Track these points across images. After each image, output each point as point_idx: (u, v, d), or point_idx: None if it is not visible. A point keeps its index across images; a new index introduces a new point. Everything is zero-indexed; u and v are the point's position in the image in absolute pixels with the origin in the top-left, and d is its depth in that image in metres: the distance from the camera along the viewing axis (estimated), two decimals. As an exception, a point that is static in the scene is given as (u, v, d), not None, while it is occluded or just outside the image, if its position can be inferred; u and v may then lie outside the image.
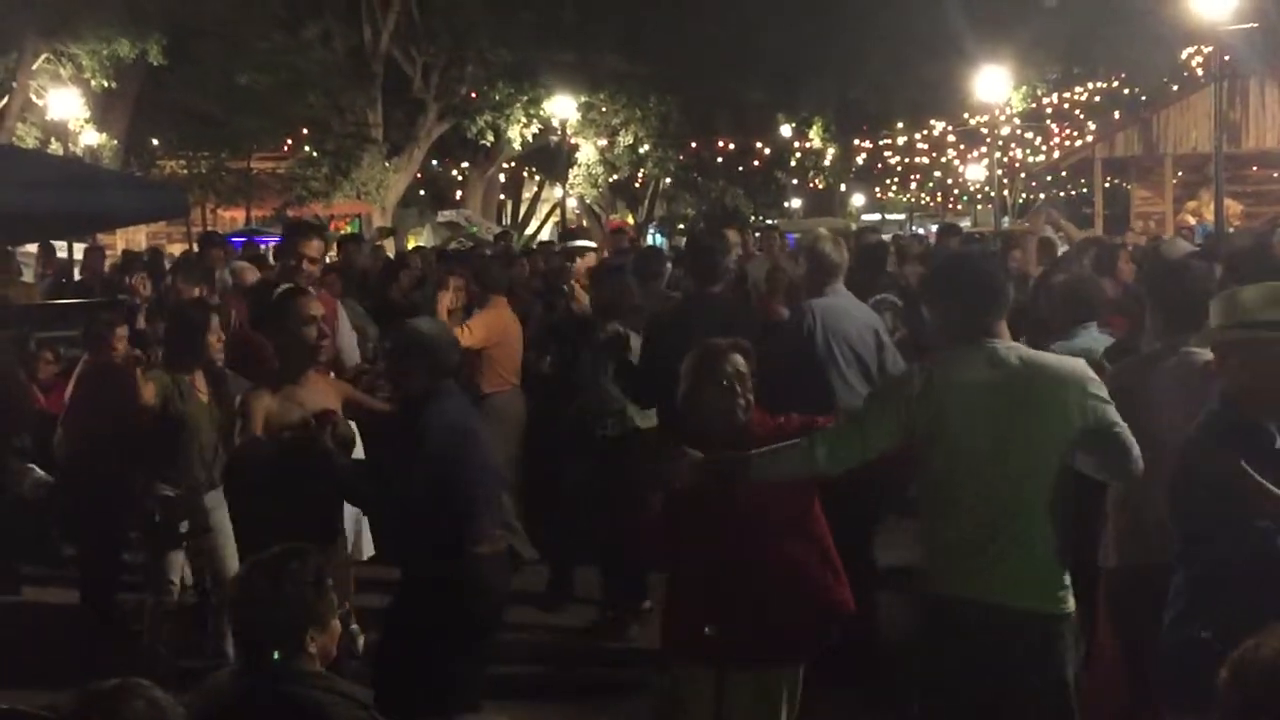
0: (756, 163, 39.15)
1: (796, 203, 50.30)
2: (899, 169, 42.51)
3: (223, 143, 32.43)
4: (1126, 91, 35.93)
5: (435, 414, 6.45)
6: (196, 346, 8.24)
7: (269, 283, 9.68)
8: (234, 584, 4.44)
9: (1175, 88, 33.53)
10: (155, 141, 33.40)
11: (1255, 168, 31.69)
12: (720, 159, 38.13)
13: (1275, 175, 31.43)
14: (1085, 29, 34.51)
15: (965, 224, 35.24)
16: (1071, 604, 5.23)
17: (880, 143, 39.78)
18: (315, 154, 32.47)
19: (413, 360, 6.59)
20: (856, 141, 39.70)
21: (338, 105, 32.39)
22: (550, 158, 36.57)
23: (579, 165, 35.99)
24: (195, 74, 30.14)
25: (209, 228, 28.78)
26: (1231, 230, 22.91)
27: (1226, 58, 25.39)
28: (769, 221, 33.93)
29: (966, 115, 37.24)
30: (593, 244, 11.78)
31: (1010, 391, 5.21)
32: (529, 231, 39.53)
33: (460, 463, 6.45)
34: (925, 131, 39.10)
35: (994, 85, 32.36)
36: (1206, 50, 29.13)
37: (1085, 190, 36.44)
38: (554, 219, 39.65)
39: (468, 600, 6.41)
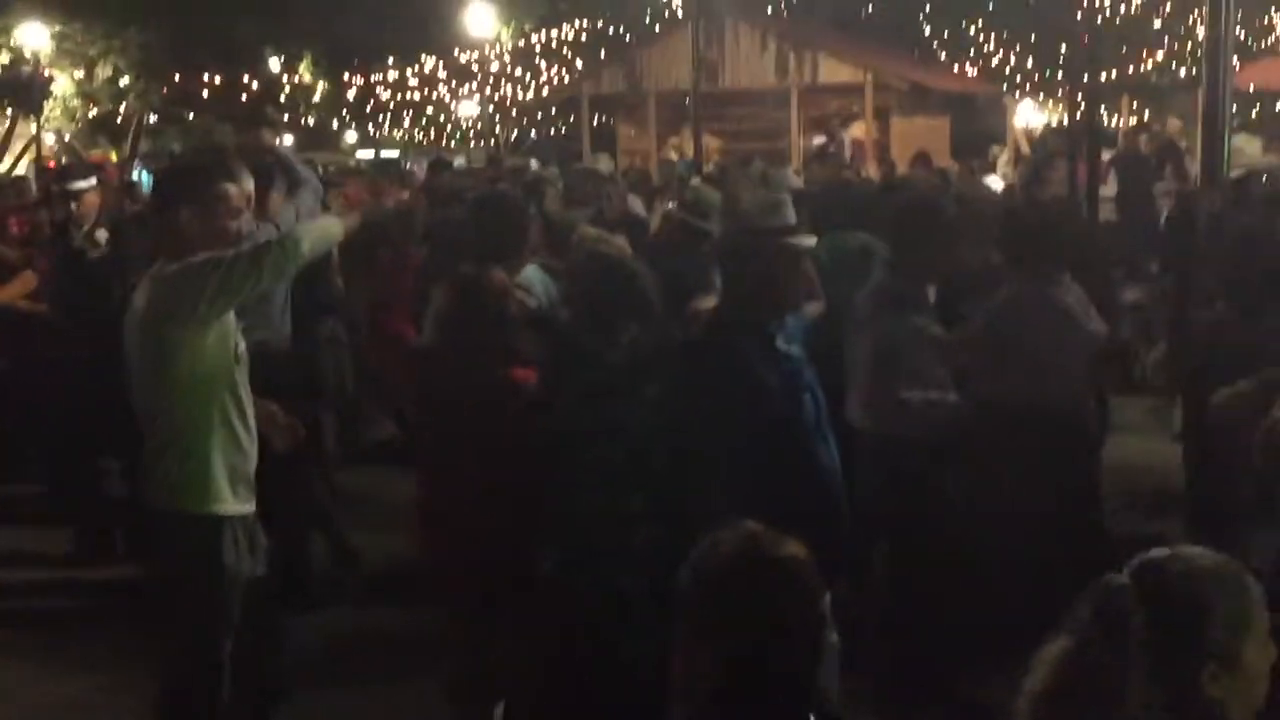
0: (245, 98, 38.02)
1: (289, 139, 49.22)
2: (392, 105, 42.10)
3: None
4: (612, 30, 36.76)
5: None
6: None
7: None
8: None
9: (657, 28, 34.51)
10: None
11: (732, 106, 32.97)
12: (207, 93, 36.83)
13: (751, 113, 32.79)
14: (571, -33, 35.16)
15: (459, 160, 35.26)
16: None
17: (372, 79, 39.35)
18: None
19: None
20: (347, 77, 39.14)
21: None
22: (23, 90, 34.45)
23: (55, 98, 34.13)
24: None
25: None
26: (711, 165, 23.75)
27: (701, 1, 26.28)
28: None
29: (458, 52, 37.25)
30: (90, 182, 10.77)
31: None
32: (2, 168, 37.20)
33: None
34: (417, 67, 38.93)
35: (483, 21, 32.50)
36: (686, -7, 30.07)
37: (575, 127, 37.05)
38: (30, 155, 37.46)
39: None
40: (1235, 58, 10.35)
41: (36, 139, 34.65)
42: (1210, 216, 9.13)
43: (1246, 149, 10.77)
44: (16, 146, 40.08)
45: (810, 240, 5.47)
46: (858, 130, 29.50)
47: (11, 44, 31.06)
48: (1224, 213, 8.97)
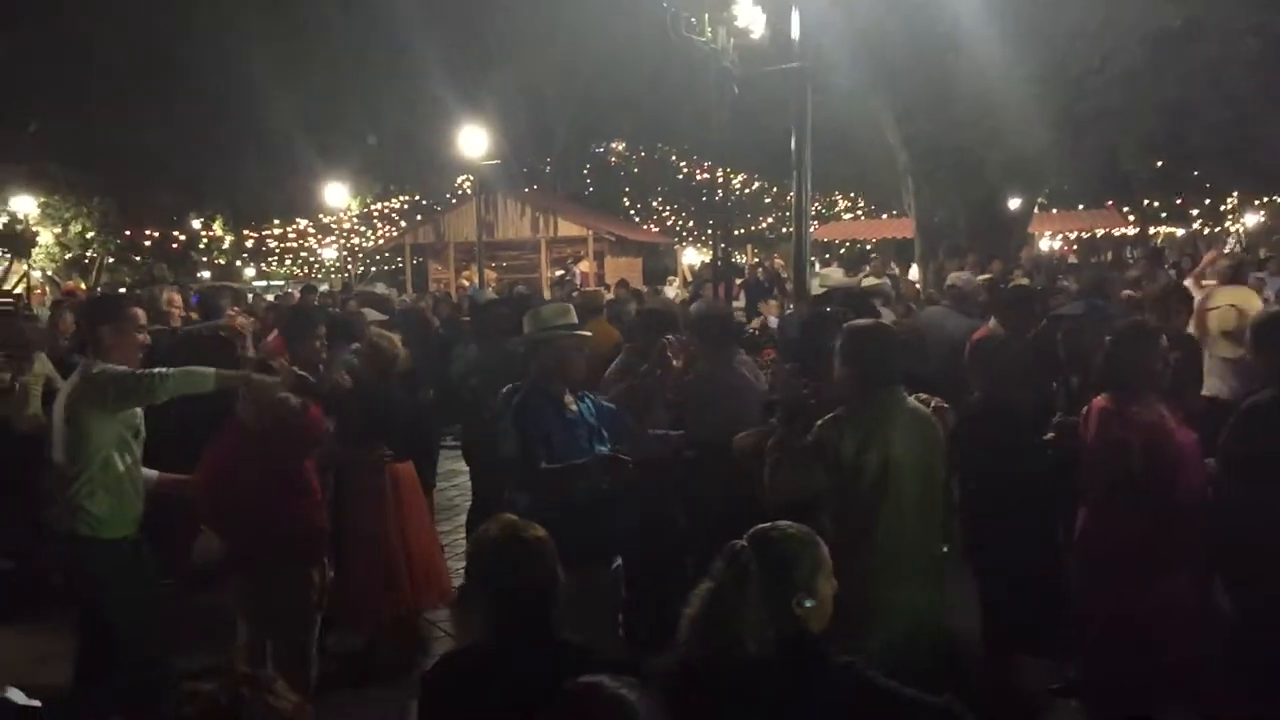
0: (175, 245, 36.37)
1: (206, 274, 47.29)
2: (278, 250, 40.77)
3: None
4: (424, 201, 36.41)
5: None
6: None
7: None
8: None
9: (454, 200, 34.32)
10: None
11: (502, 250, 32.90)
12: (149, 242, 35.11)
13: (514, 255, 32.74)
14: (397, 159, 34.77)
15: (323, 287, 34.38)
16: None
17: (264, 232, 38.11)
18: None
19: None
20: (246, 231, 37.81)
21: None
22: (18, 241, 32.31)
23: (40, 246, 32.18)
24: None
25: None
26: (489, 290, 23.58)
27: (482, 182, 26.32)
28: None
29: (321, 215, 36.43)
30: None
31: None
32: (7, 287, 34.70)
33: None
34: (294, 225, 37.87)
35: (337, 195, 32.02)
36: (471, 178, 30.07)
37: (401, 266, 36.51)
38: (22, 284, 35.12)
39: None
40: (814, 221, 10.92)
41: (26, 274, 32.63)
42: (801, 323, 9.48)
43: (833, 275, 11.34)
44: (12, 279, 37.62)
45: (588, 334, 5.45)
46: (584, 266, 29.74)
47: (8, 209, 29.17)
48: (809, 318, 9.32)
